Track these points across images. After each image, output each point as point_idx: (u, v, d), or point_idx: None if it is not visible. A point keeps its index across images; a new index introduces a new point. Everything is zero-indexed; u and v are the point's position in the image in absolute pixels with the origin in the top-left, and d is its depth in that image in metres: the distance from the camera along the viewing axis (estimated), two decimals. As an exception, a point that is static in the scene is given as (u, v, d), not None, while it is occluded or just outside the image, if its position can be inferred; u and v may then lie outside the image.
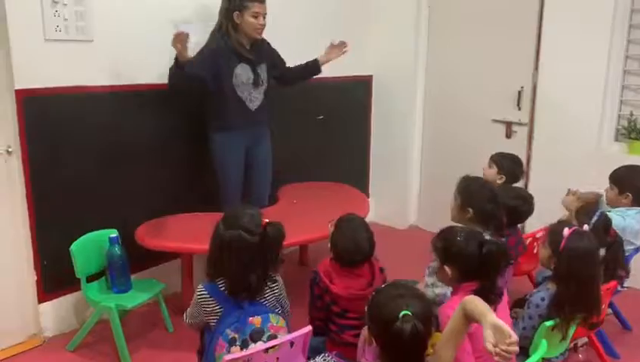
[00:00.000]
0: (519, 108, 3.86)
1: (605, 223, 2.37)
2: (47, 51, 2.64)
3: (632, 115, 3.43)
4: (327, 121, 4.15)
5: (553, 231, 2.15)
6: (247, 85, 3.12)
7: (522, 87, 3.81)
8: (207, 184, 3.30)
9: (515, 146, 3.80)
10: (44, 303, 2.82)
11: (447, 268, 1.88)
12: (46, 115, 2.69)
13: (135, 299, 2.71)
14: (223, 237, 1.91)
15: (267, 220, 1.94)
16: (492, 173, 3.06)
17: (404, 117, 4.42)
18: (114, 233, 2.77)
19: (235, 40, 3.03)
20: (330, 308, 2.14)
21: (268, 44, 3.26)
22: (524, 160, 3.53)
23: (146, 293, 2.77)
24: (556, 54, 3.61)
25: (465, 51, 4.09)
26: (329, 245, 2.20)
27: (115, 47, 2.88)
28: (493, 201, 2.42)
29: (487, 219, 2.41)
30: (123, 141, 3.00)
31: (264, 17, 3.02)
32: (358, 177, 4.52)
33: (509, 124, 3.94)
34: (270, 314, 1.90)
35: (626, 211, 2.74)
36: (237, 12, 2.99)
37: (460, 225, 2.45)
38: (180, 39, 2.71)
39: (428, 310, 1.49)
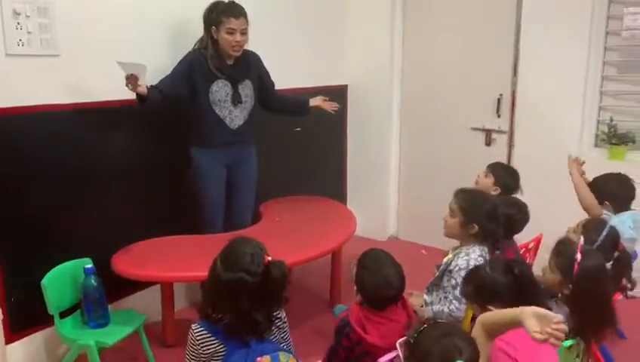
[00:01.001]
0: (499, 116, 3.84)
1: (614, 238, 2.32)
2: (9, 67, 2.42)
3: (611, 120, 3.45)
4: (303, 132, 4.03)
5: (560, 254, 2.06)
6: (226, 103, 2.96)
7: (501, 95, 3.79)
8: (186, 204, 3.11)
9: (495, 154, 3.78)
10: (13, 343, 2.57)
11: (491, 308, 1.75)
12: (9, 137, 2.47)
13: (115, 333, 2.51)
14: (221, 279, 1.76)
15: (270, 258, 1.79)
16: (488, 183, 2.96)
17: (381, 127, 4.34)
18: (89, 263, 2.56)
19: (213, 55, 2.88)
20: (358, 360, 1.97)
21: (258, 61, 3.10)
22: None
23: (126, 327, 2.57)
24: (535, 61, 3.60)
25: (441, 59, 4.04)
26: (354, 288, 2.04)
27: (84, 61, 2.68)
28: (495, 217, 2.36)
29: (489, 235, 2.37)
30: (95, 162, 2.80)
31: (242, 33, 2.85)
32: (336, 189, 4.42)
33: (488, 132, 3.91)
34: (280, 353, 1.75)
35: (619, 217, 2.73)
36: (214, 27, 2.84)
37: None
38: (130, 82, 2.58)
39: (477, 351, 1.38)
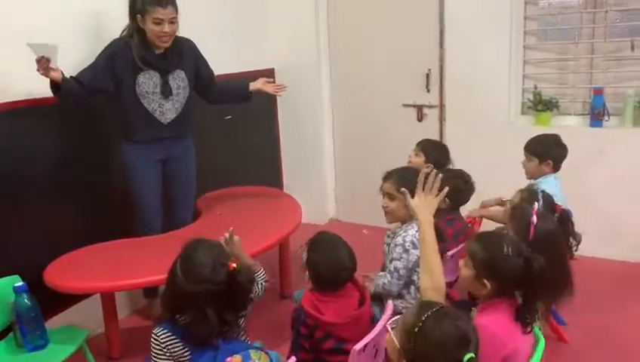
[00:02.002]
0: (428, 91, 3.88)
1: (550, 201, 2.38)
2: None
3: (535, 88, 3.58)
4: (233, 120, 3.88)
5: (516, 219, 2.10)
6: (155, 95, 2.77)
7: (430, 70, 3.82)
8: (121, 206, 2.92)
9: (428, 129, 3.83)
10: (-64, 379, 2.30)
11: (486, 282, 1.71)
12: None
13: (57, 355, 2.28)
14: (184, 290, 1.65)
15: (235, 265, 1.69)
16: (419, 162, 2.97)
17: (312, 109, 4.27)
18: (18, 281, 2.32)
19: (139, 44, 2.67)
20: (321, 346, 1.90)
21: (193, 49, 2.91)
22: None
23: (68, 346, 2.35)
24: (460, 35, 3.65)
25: (368, 37, 4.01)
26: (306, 273, 1.98)
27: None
28: None
29: None
30: (15, 169, 2.56)
31: (171, 23, 2.64)
32: (272, 176, 4.32)
33: (419, 108, 3.94)
34: (251, 351, 1.66)
35: (546, 179, 2.82)
36: (139, 15, 2.63)
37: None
38: (41, 66, 2.37)
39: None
